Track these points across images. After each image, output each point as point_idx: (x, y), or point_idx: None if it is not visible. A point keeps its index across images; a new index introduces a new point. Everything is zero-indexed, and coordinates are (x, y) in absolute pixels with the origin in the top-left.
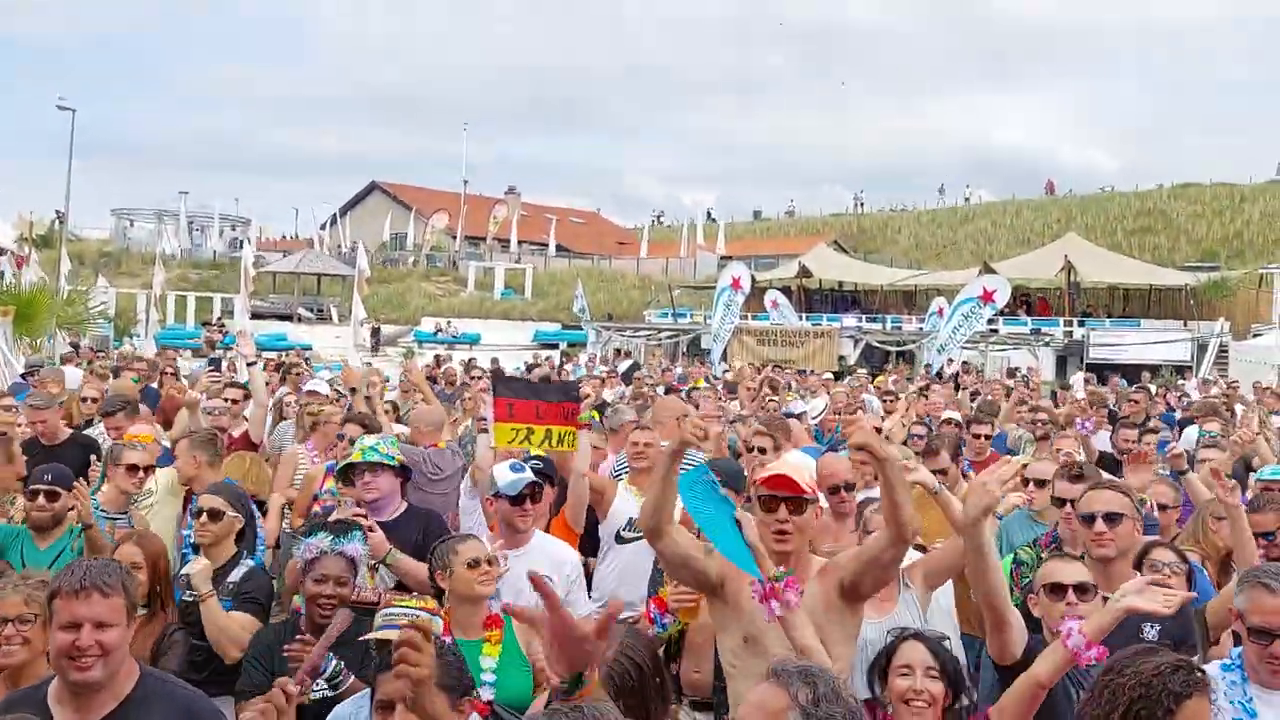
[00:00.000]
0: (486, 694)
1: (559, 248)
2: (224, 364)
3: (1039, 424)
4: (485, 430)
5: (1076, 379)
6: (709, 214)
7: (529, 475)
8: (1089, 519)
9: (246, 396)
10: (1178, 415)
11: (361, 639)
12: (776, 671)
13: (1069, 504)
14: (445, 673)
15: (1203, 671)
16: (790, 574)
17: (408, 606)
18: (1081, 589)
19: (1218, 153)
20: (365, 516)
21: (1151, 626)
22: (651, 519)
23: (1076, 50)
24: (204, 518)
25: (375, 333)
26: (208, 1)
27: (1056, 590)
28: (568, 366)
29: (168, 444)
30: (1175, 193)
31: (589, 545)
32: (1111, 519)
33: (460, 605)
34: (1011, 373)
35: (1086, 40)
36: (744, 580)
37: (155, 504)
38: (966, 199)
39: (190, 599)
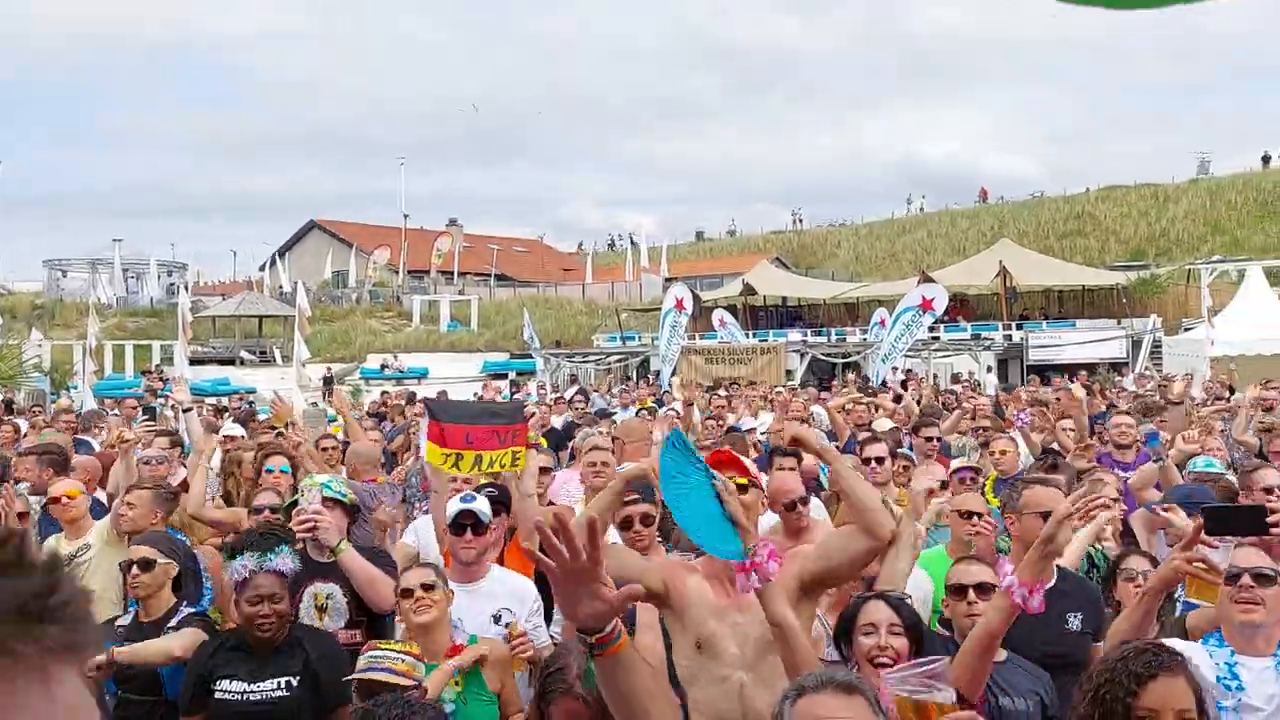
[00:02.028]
0: None
1: (503, 277)
2: (159, 412)
3: (981, 430)
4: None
5: (989, 378)
6: (630, 239)
7: (463, 506)
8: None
9: (174, 445)
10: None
11: (345, 679)
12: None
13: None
14: None
15: (1178, 655)
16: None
17: (391, 650)
18: (981, 589)
19: (1140, 155)
20: (314, 519)
21: (1074, 616)
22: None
23: (996, 62)
24: (135, 569)
25: (328, 381)
26: (131, 47)
27: (959, 591)
28: (518, 396)
29: (103, 497)
30: (1102, 195)
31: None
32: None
33: (416, 634)
34: (956, 378)
35: (1005, 52)
36: (687, 583)
37: (92, 558)
38: (921, 209)
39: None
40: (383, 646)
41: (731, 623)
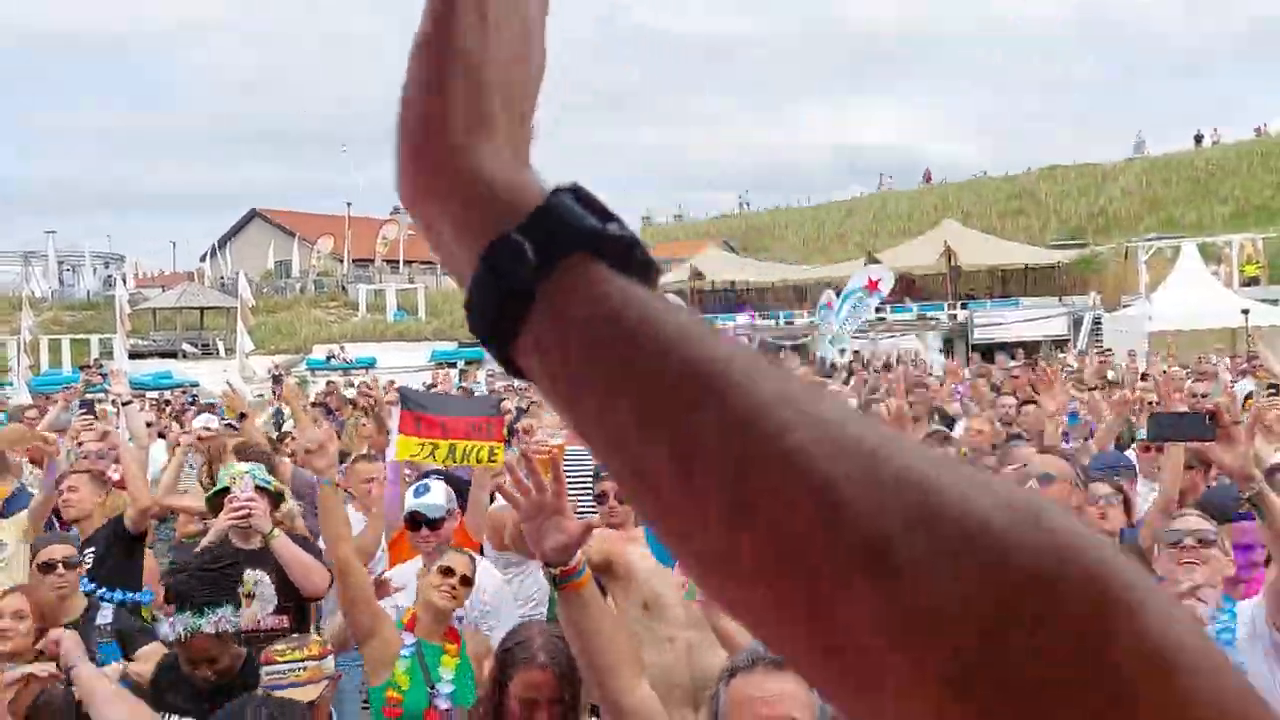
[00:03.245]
0: (444, 703)
1: None
2: (97, 406)
3: (916, 404)
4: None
5: (937, 358)
6: None
7: (415, 503)
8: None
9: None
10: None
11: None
12: None
13: None
14: None
15: None
16: None
17: (290, 660)
18: None
19: (1078, 138)
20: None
21: None
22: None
23: (932, 51)
24: (60, 569)
25: (277, 379)
26: (69, 42)
27: None
28: (466, 384)
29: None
30: (1042, 175)
31: None
32: (1046, 480)
33: (424, 611)
34: (899, 359)
35: (942, 42)
36: (625, 547)
37: (9, 558)
38: (863, 193)
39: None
40: (279, 659)
41: (676, 584)
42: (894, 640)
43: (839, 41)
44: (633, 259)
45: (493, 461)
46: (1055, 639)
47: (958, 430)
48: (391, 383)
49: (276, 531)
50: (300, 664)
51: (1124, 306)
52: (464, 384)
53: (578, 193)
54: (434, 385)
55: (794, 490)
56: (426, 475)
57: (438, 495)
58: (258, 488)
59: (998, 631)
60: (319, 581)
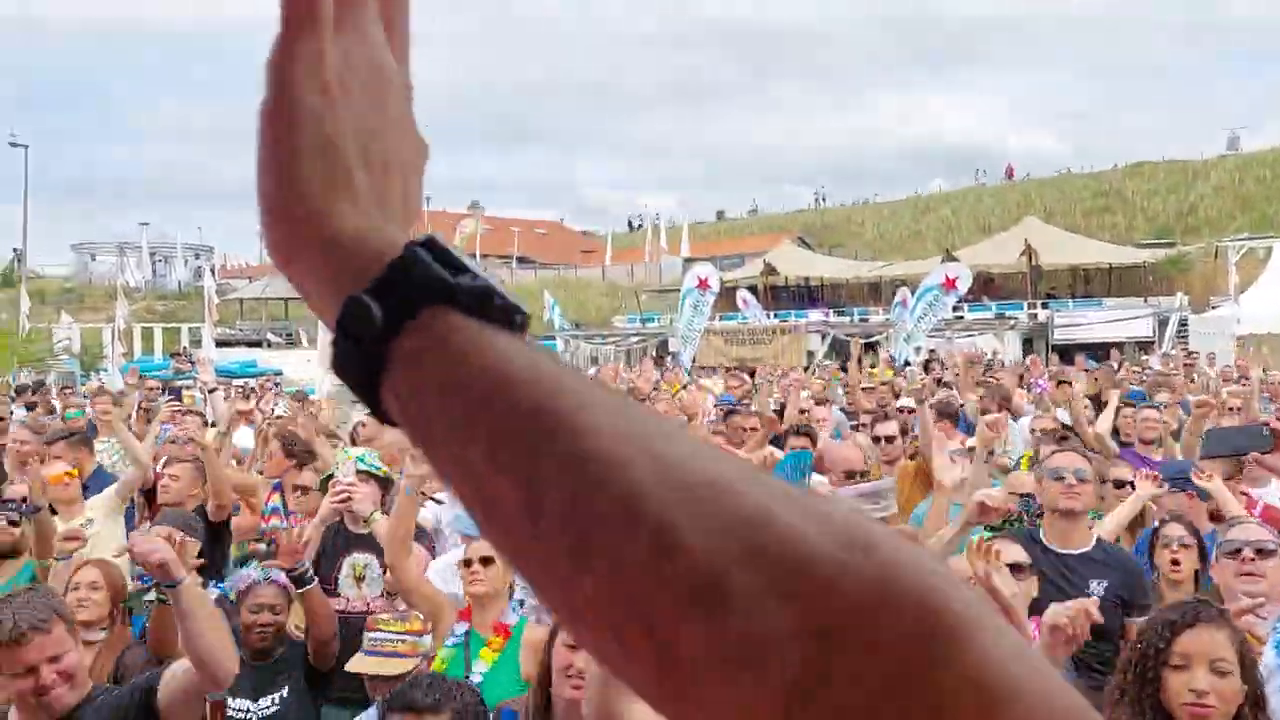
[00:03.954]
0: None
1: (524, 259)
2: (184, 394)
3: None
4: None
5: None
6: (650, 222)
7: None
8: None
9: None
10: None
11: (347, 669)
12: None
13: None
14: (460, 718)
15: (1224, 610)
16: None
17: (392, 630)
18: (1016, 568)
19: (1168, 130)
20: (348, 490)
21: (1099, 583)
22: None
23: (1014, 40)
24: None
25: None
26: (156, 35)
27: None
28: None
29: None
30: (1129, 172)
31: None
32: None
33: (471, 601)
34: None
35: (1026, 31)
36: None
37: (98, 530)
38: (1025, 178)
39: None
40: (382, 628)
41: None
42: (728, 674)
43: (918, 29)
44: (490, 307)
45: None
46: (881, 666)
47: (1023, 424)
48: None
49: (377, 515)
50: (401, 636)
51: (1212, 308)
52: None
53: (432, 247)
54: None
55: (630, 531)
56: None
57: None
58: (362, 472)
59: (824, 660)
60: (419, 564)
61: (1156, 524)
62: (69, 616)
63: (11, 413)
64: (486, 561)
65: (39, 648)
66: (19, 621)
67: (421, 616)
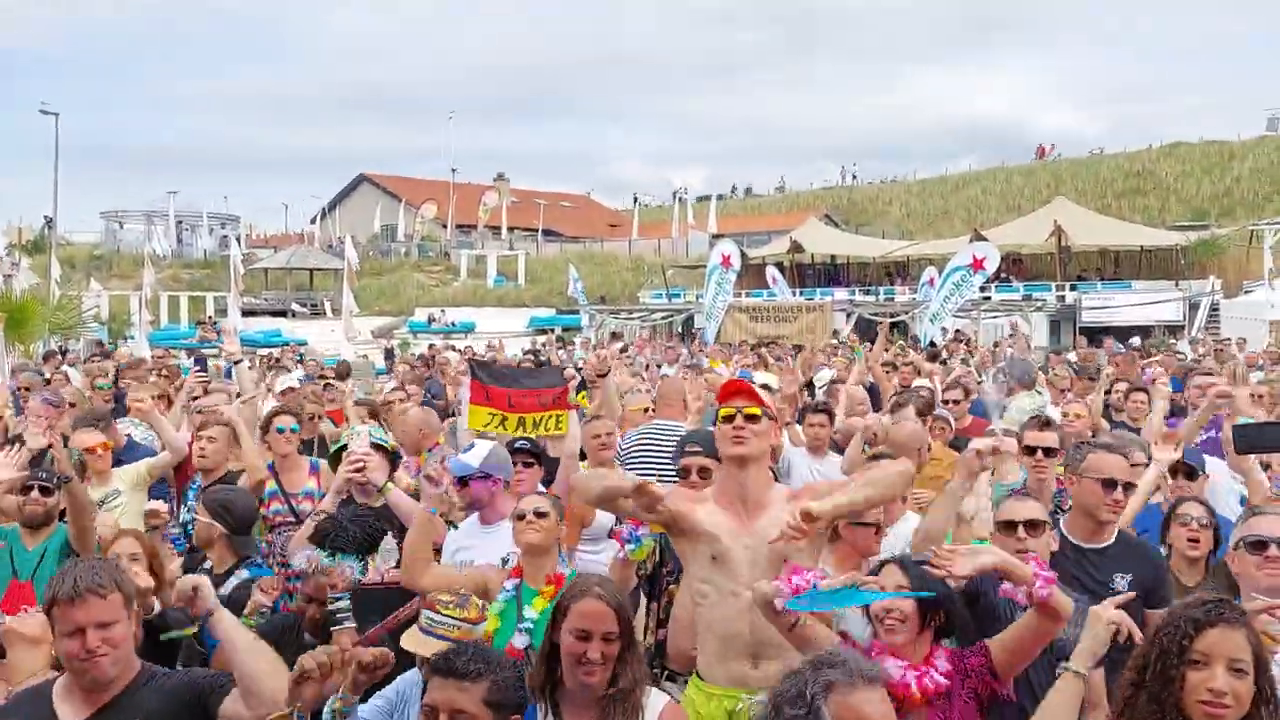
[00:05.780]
0: (522, 640)
1: (550, 232)
2: (210, 363)
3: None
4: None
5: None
6: (677, 196)
7: (469, 462)
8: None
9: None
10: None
11: (402, 644)
12: None
13: (1039, 451)
14: (498, 689)
15: (1242, 611)
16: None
17: (450, 616)
18: (1032, 525)
19: (1205, 111)
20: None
21: (1122, 577)
22: (603, 502)
23: (1051, 16)
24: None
25: (389, 354)
26: (187, 3)
27: (1009, 527)
28: (562, 353)
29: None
30: (1164, 152)
31: None
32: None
33: (524, 555)
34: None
35: (1059, 6)
36: (692, 505)
37: (125, 501)
38: (1056, 157)
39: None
40: (441, 611)
41: (743, 544)
42: None
43: (950, 3)
44: None
45: (559, 430)
46: None
47: (1055, 414)
48: (467, 348)
49: (390, 485)
50: (457, 622)
51: (1245, 293)
52: (531, 349)
53: None
54: (533, 352)
55: None
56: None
57: (472, 457)
58: (374, 445)
59: None
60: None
61: (1174, 502)
62: (130, 593)
63: (66, 377)
64: (541, 514)
65: (91, 609)
66: (78, 581)
67: (480, 604)
